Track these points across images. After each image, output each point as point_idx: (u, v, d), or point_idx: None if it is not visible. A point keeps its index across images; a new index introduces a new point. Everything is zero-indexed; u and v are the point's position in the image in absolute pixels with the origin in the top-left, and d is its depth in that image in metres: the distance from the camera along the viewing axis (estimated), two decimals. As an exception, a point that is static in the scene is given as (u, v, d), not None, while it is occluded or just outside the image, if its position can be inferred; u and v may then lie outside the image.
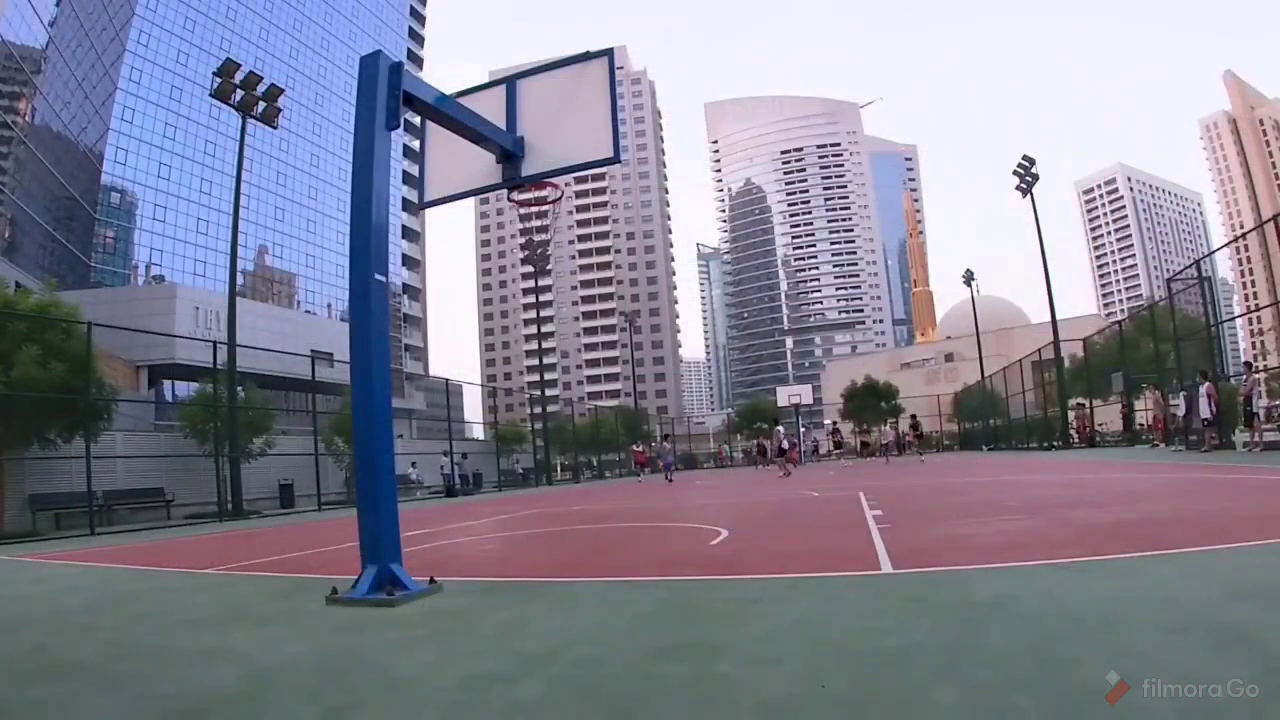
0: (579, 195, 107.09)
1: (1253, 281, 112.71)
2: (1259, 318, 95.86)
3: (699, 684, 2.01)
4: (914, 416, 32.81)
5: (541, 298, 44.26)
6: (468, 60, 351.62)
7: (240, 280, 26.97)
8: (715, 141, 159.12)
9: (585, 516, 5.76)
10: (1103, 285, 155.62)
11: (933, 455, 35.02)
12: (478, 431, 39.60)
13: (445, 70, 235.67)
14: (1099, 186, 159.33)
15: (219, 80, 17.14)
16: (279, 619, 3.40)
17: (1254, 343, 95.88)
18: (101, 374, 14.62)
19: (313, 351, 20.29)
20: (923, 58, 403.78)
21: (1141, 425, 22.65)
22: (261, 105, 17.88)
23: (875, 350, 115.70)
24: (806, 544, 5.11)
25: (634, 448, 31.33)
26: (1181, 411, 16.13)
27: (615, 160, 4.56)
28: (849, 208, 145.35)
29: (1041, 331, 32.04)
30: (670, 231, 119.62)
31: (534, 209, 5.68)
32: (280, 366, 22.40)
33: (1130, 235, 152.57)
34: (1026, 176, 28.45)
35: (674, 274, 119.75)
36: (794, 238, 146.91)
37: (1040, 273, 27.74)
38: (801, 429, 38.68)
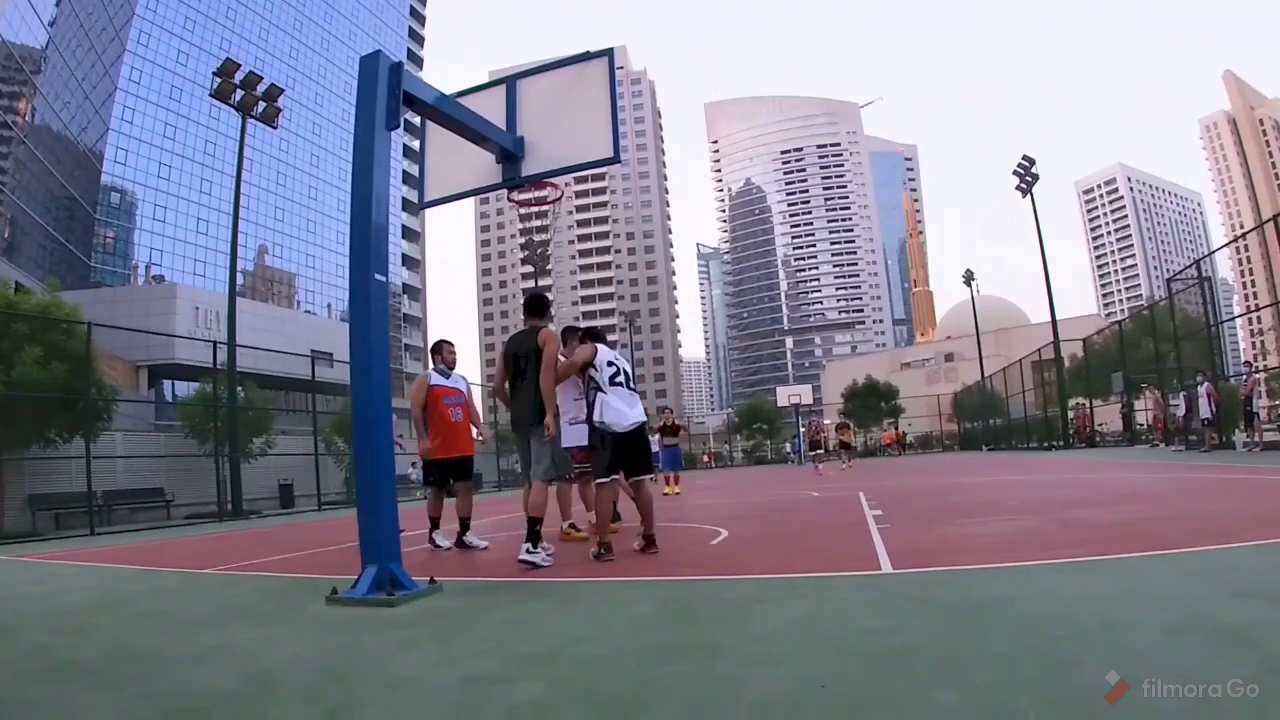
0: (579, 195, 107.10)
1: (1253, 281, 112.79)
2: (1259, 318, 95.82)
3: (699, 684, 2.00)
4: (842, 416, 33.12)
5: (541, 298, 44.16)
6: (468, 60, 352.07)
7: (240, 280, 26.97)
8: (715, 141, 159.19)
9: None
10: (1103, 285, 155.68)
11: (936, 455, 35.05)
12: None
13: (445, 70, 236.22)
14: (1099, 186, 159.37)
15: (219, 80, 17.13)
16: (279, 619, 3.39)
17: (1254, 343, 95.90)
18: (102, 374, 14.62)
19: (313, 351, 20.27)
20: (923, 58, 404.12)
21: (1141, 425, 22.68)
22: (261, 105, 17.87)
23: (875, 350, 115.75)
24: (806, 544, 5.10)
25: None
26: (1181, 411, 16.15)
27: (615, 160, 4.54)
28: (849, 208, 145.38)
29: (1041, 331, 32.04)
30: (670, 231, 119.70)
31: (534, 209, 5.68)
32: (280, 366, 22.40)
33: (1130, 235, 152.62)
34: (1026, 176, 28.47)
35: (674, 274, 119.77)
36: (794, 238, 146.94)
37: (1040, 273, 27.80)
38: (802, 427, 38.61)
